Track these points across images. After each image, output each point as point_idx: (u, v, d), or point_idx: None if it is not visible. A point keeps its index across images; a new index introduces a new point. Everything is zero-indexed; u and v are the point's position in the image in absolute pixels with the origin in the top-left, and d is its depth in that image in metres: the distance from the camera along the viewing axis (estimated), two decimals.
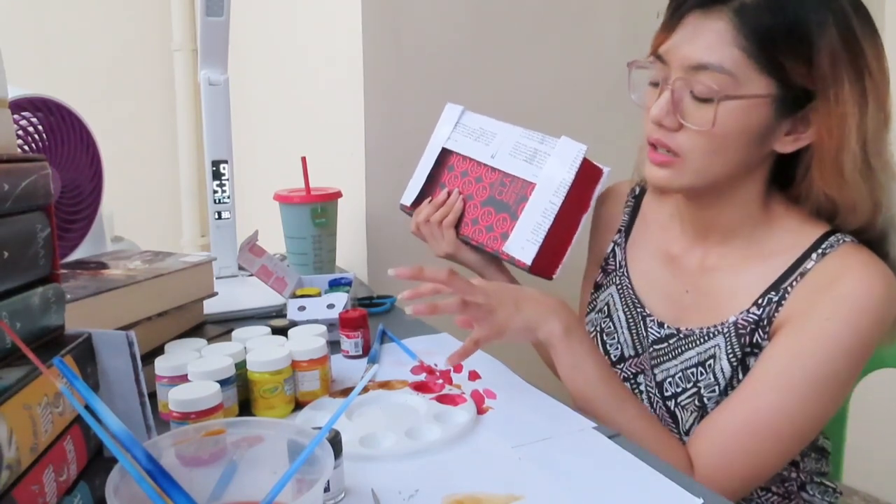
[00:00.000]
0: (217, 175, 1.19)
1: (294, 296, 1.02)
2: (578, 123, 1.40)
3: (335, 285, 1.10)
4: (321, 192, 1.24)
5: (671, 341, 0.88)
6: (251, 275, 1.03)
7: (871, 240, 0.81)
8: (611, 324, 0.96)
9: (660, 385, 0.88)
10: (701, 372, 0.84)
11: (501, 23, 1.44)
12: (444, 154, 1.09)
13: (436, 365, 0.89)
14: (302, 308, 0.98)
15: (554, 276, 0.96)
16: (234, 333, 0.85)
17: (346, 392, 0.81)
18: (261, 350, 0.77)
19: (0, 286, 0.48)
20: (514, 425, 0.74)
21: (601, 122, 1.45)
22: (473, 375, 0.86)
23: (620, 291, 0.96)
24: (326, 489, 0.59)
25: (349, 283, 1.09)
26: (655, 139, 0.81)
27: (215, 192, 1.20)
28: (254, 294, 1.10)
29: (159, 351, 0.80)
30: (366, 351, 0.93)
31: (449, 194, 1.05)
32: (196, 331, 0.91)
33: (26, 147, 0.95)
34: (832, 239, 0.80)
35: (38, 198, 0.52)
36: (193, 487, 0.43)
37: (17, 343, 0.44)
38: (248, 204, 1.66)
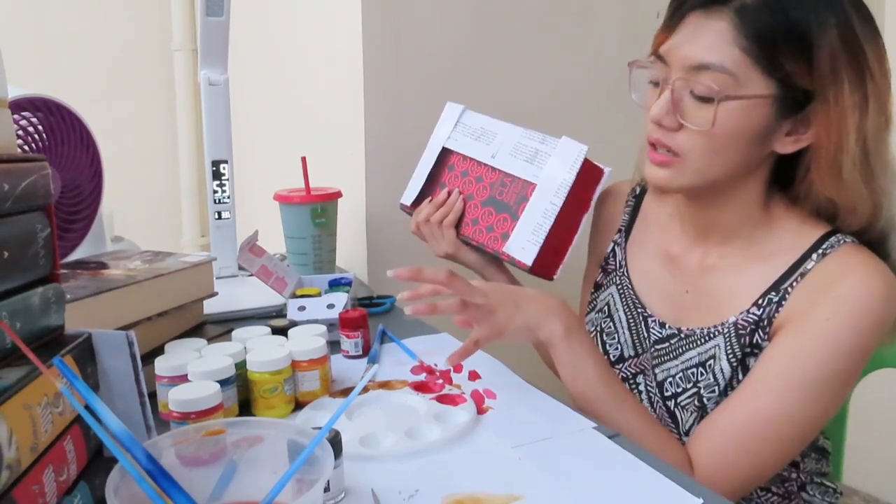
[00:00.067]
0: (217, 175, 1.19)
1: (294, 296, 1.02)
2: (578, 123, 1.40)
3: (335, 285, 1.10)
4: (321, 192, 1.24)
5: (673, 341, 0.88)
6: (251, 275, 1.03)
7: (871, 241, 0.81)
8: (611, 324, 0.96)
9: (660, 385, 0.88)
10: (701, 372, 0.84)
11: (501, 23, 1.44)
12: (445, 153, 1.08)
13: (436, 365, 0.89)
14: (302, 308, 0.98)
15: (555, 277, 0.96)
16: (234, 333, 0.85)
17: (346, 392, 0.81)
18: (261, 350, 0.77)
19: (0, 286, 0.48)
20: (514, 425, 0.74)
21: (601, 122, 1.45)
22: (473, 375, 0.86)
23: (621, 291, 0.96)
24: (326, 489, 0.59)
25: (349, 283, 1.09)
26: (655, 139, 0.81)
27: (215, 192, 1.20)
28: (254, 294, 1.10)
29: (159, 351, 0.80)
30: (366, 351, 0.93)
31: (449, 194, 1.04)
32: (196, 331, 0.91)
33: (26, 147, 0.95)
34: (832, 239, 0.80)
35: (38, 198, 0.52)
36: (193, 487, 0.43)
37: (17, 343, 0.44)
38: (248, 204, 1.66)
